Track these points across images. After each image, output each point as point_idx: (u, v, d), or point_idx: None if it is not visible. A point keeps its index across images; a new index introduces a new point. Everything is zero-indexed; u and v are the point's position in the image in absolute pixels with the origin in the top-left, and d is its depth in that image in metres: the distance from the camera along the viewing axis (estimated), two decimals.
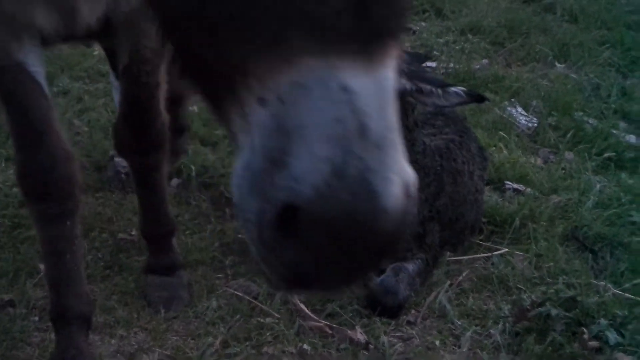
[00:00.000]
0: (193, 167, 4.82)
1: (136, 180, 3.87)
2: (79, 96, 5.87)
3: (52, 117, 3.06)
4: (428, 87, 3.60)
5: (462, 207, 4.15)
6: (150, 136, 3.60)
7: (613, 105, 6.08)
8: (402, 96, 3.59)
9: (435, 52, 6.89)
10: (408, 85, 3.58)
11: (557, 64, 6.87)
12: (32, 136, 3.02)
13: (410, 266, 3.87)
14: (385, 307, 3.74)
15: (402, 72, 3.52)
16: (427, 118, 4.40)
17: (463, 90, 3.66)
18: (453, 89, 3.64)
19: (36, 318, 3.70)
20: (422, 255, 3.93)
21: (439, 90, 3.61)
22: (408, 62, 3.72)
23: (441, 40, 7.14)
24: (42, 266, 3.94)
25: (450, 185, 4.06)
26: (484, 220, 4.46)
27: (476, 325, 3.73)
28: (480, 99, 3.87)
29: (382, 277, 3.83)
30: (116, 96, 4.29)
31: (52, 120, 3.05)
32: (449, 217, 4.09)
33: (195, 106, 5.68)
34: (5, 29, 2.88)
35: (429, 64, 6.65)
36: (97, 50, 6.64)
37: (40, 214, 3.15)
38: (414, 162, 3.75)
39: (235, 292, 3.84)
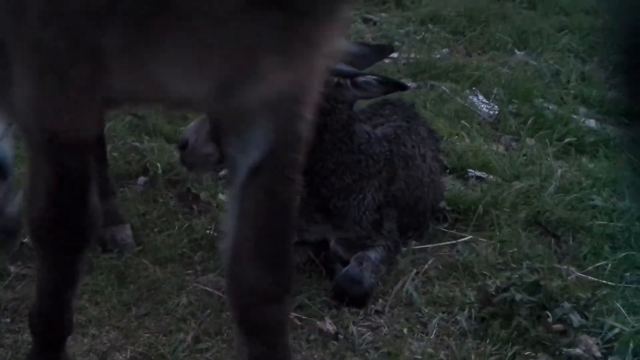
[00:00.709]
0: (159, 165, 4.84)
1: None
2: None
3: (92, 176, 2.76)
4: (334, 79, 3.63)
5: (418, 190, 4.21)
6: (285, 272, 2.66)
7: (572, 91, 6.16)
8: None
9: (396, 43, 6.94)
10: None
11: (516, 51, 6.95)
12: (74, 197, 2.72)
13: (373, 254, 3.93)
14: (352, 297, 3.80)
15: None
16: (374, 109, 4.46)
17: (375, 79, 3.70)
18: (362, 78, 3.67)
19: (8, 320, 3.71)
20: (382, 242, 3.99)
21: (347, 81, 3.66)
22: None
23: (402, 31, 7.20)
24: (12, 268, 3.97)
25: (403, 170, 4.12)
26: (447, 208, 4.51)
27: (443, 312, 3.80)
28: (400, 86, 3.93)
29: (346, 267, 3.89)
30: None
31: (92, 179, 2.76)
32: (407, 201, 4.15)
33: None
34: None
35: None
36: None
37: (56, 260, 2.89)
38: (358, 152, 3.82)
39: (205, 288, 3.88)
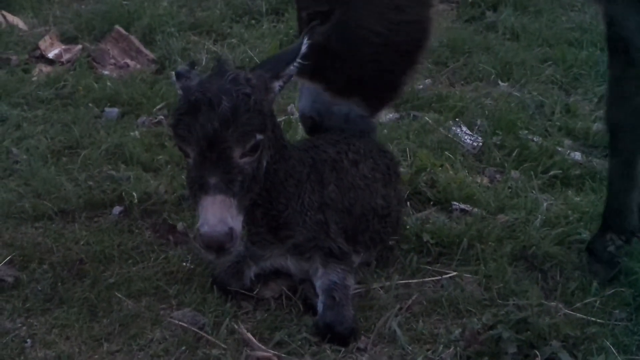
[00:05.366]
0: (135, 194, 4.72)
1: None
2: (18, 123, 5.76)
3: None
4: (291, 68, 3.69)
5: (352, 192, 4.14)
6: None
7: (557, 123, 6.06)
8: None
9: None
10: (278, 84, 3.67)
11: (500, 82, 6.86)
12: None
13: (335, 277, 3.83)
14: (336, 335, 3.67)
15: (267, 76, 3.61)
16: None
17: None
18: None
19: None
20: (329, 244, 3.93)
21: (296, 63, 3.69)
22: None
23: None
24: None
25: (330, 172, 4.08)
26: (431, 241, 4.40)
27: (427, 350, 3.67)
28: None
29: (322, 307, 3.76)
30: None
31: None
32: (342, 204, 4.08)
33: (136, 131, 5.60)
34: None
35: None
36: (36, 76, 6.55)
37: None
38: (289, 156, 3.83)
39: (181, 323, 3.74)
